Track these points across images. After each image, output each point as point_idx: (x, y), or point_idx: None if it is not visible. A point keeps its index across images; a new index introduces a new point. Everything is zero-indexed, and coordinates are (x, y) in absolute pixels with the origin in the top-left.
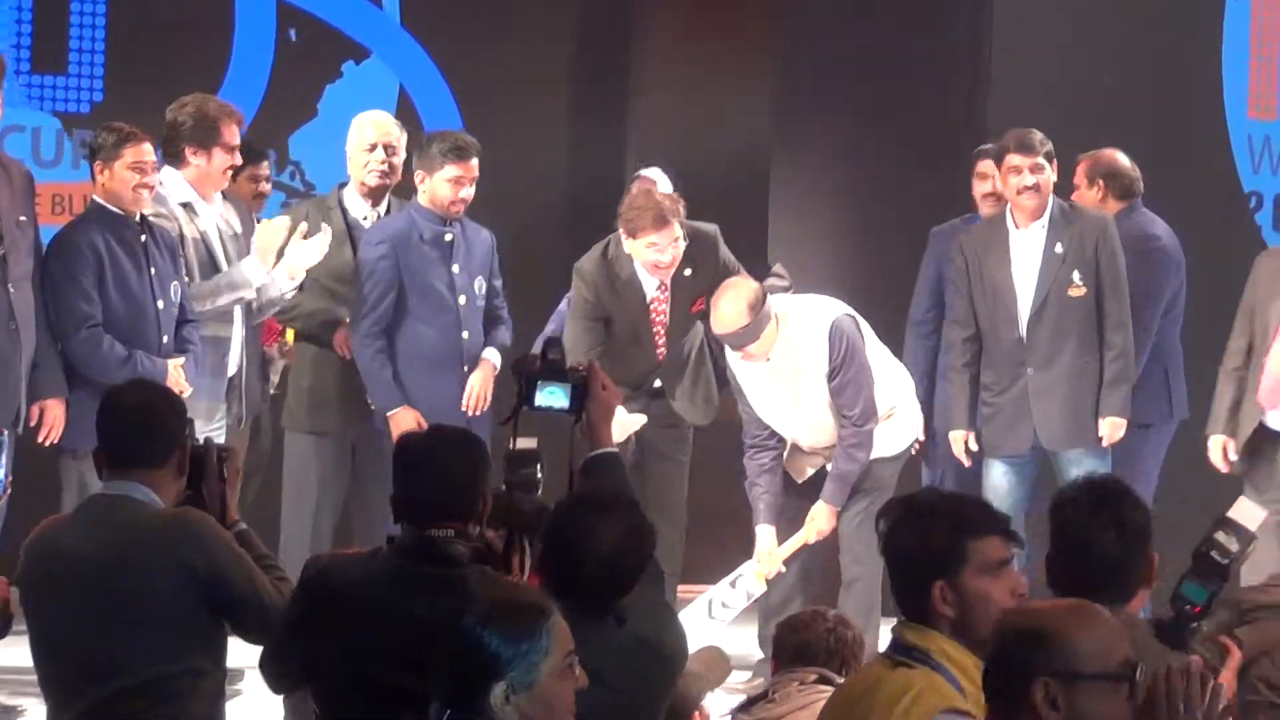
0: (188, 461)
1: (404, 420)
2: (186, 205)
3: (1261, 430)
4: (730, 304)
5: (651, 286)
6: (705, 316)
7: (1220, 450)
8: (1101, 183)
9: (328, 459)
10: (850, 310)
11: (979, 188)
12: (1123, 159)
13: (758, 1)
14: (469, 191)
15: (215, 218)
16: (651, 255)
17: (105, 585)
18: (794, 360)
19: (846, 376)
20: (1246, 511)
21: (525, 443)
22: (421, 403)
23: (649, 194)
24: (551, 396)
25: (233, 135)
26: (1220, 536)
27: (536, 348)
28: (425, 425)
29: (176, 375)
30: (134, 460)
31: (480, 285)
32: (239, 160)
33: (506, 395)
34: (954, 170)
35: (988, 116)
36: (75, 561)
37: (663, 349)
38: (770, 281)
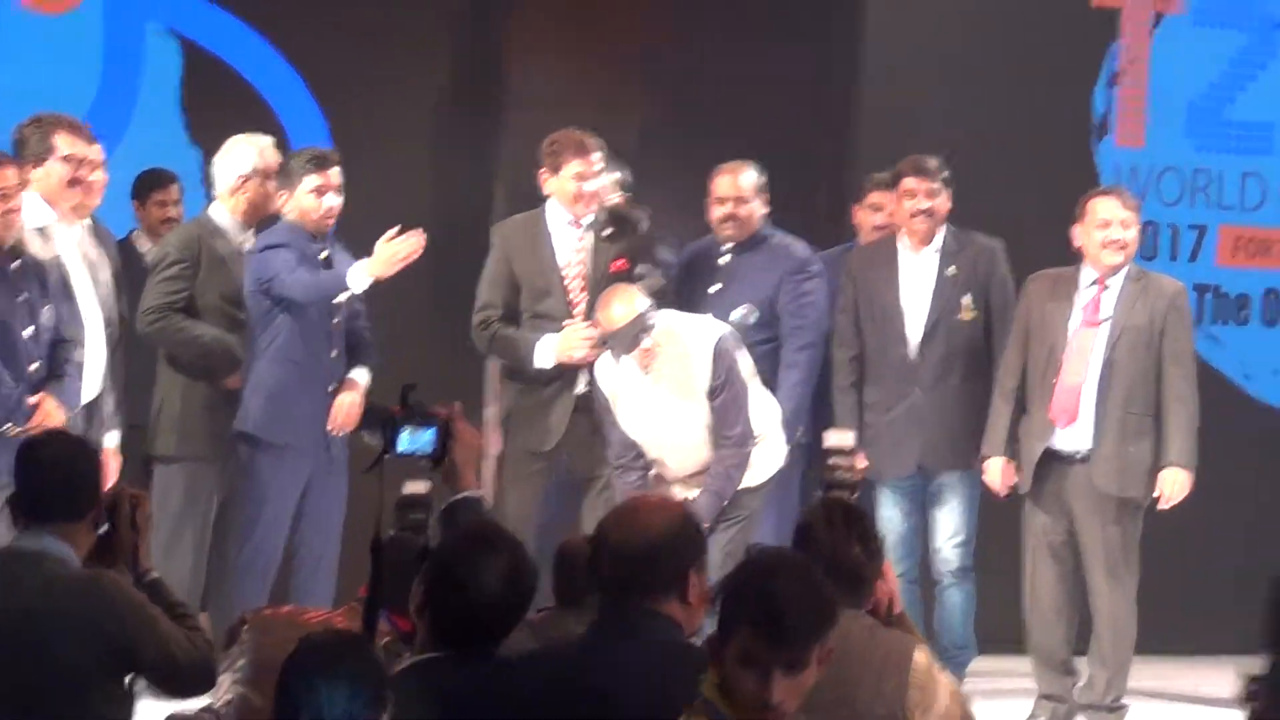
0: (102, 512)
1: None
2: (40, 229)
3: (1046, 452)
4: (620, 301)
5: (571, 238)
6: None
7: (999, 472)
8: None
9: (201, 486)
10: (733, 330)
11: (870, 219)
12: None
13: (628, 24)
14: (334, 200)
15: (74, 242)
16: (575, 185)
17: (16, 644)
18: (676, 375)
19: (729, 395)
20: (838, 436)
21: (415, 486)
22: (286, 417)
23: (568, 129)
24: (415, 441)
25: (70, 144)
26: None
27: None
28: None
29: (49, 409)
30: (52, 515)
31: (348, 303)
32: (85, 173)
33: None
34: (815, 204)
35: (859, 152)
36: None
37: (579, 305)
38: (648, 281)
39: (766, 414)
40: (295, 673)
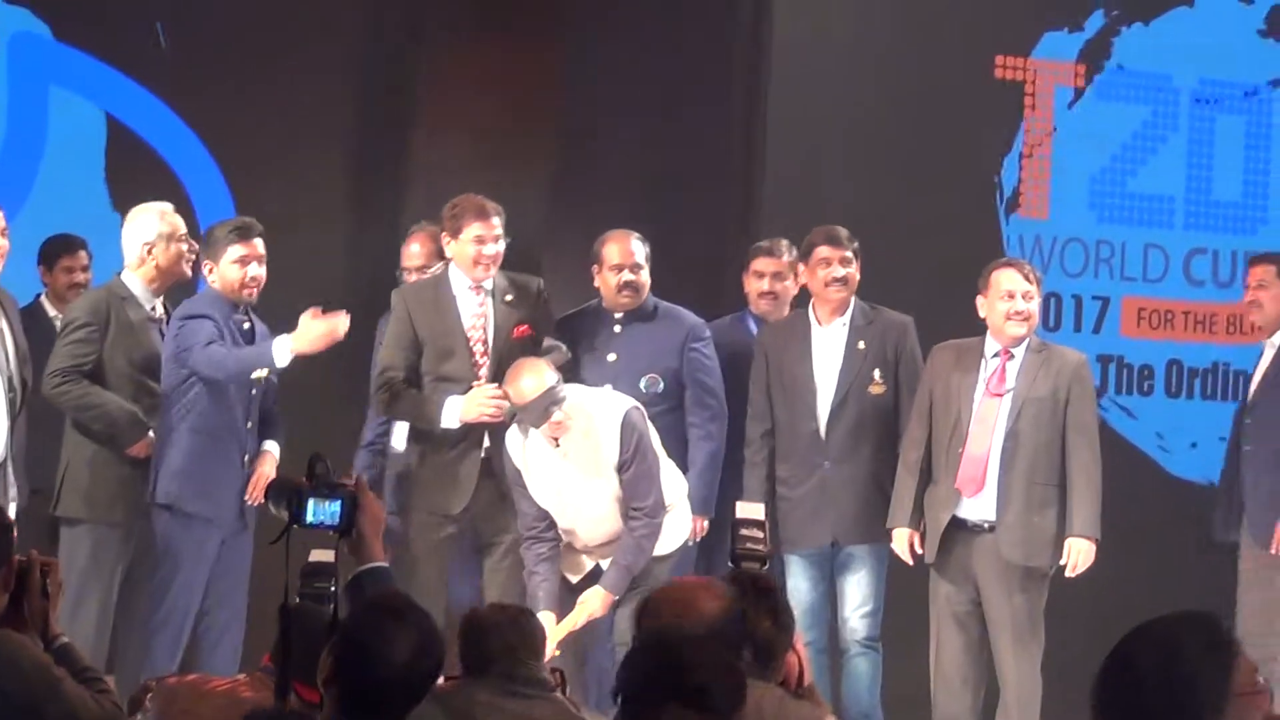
0: (12, 578)
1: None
2: None
3: (952, 521)
4: (530, 374)
5: (473, 303)
6: (525, 352)
7: (905, 542)
8: None
9: (107, 548)
10: (639, 404)
11: (753, 285)
12: None
13: (535, 89)
14: (258, 270)
15: None
16: (474, 249)
17: None
18: (585, 448)
19: (640, 468)
20: (749, 508)
21: (320, 555)
22: (202, 489)
23: (468, 195)
24: (322, 512)
25: None
26: (746, 532)
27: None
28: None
29: None
30: None
31: (266, 377)
32: None
33: None
34: (723, 271)
35: (761, 219)
36: None
37: (483, 367)
38: (554, 355)
39: (674, 484)
40: None
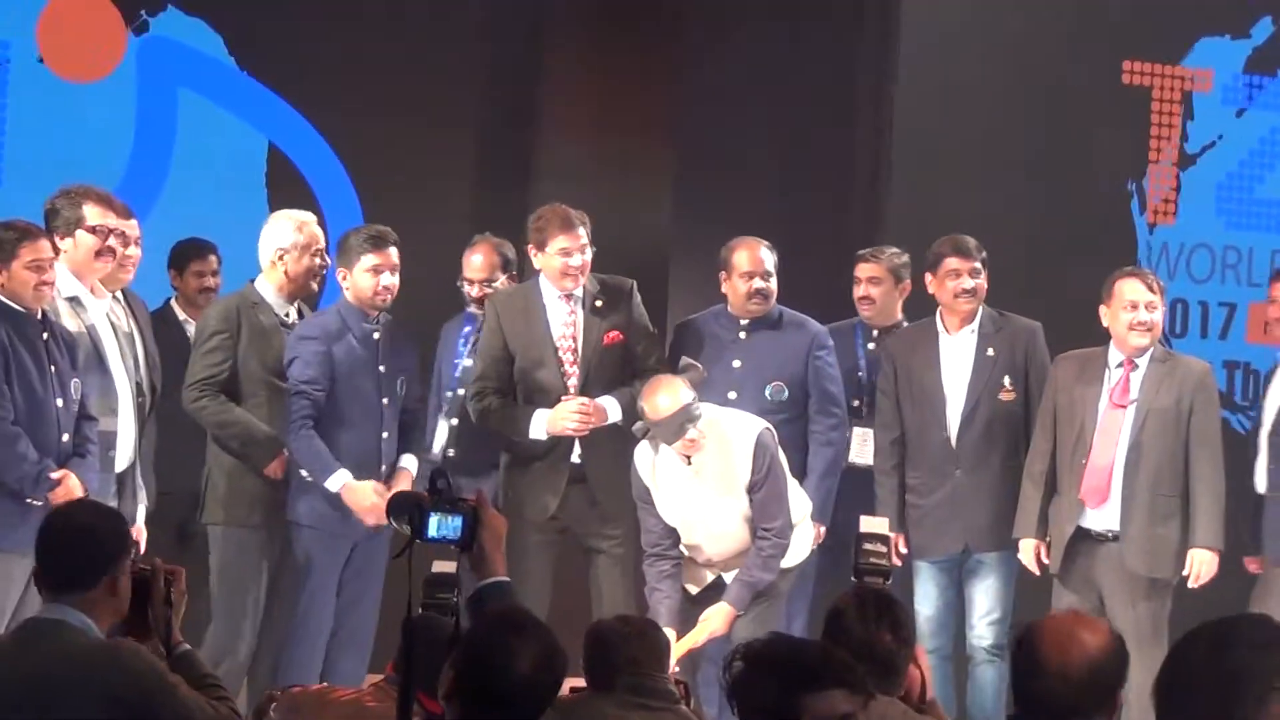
0: (127, 582)
1: (362, 492)
2: (73, 299)
3: (1076, 531)
4: (666, 391)
5: (563, 312)
6: (618, 357)
7: (1032, 553)
8: None
9: (252, 551)
10: (770, 426)
11: (855, 291)
12: None
13: (658, 91)
14: (391, 279)
15: (104, 313)
16: (561, 261)
17: (34, 713)
18: (717, 468)
19: (771, 490)
20: (873, 522)
21: (442, 566)
22: (335, 511)
23: (554, 205)
24: (444, 527)
25: (97, 216)
26: (869, 547)
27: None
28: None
29: (71, 485)
30: (68, 585)
31: (402, 386)
32: (113, 243)
33: None
34: (847, 280)
35: (886, 226)
36: (3, 686)
37: (574, 376)
38: (690, 374)
39: (799, 502)
40: None
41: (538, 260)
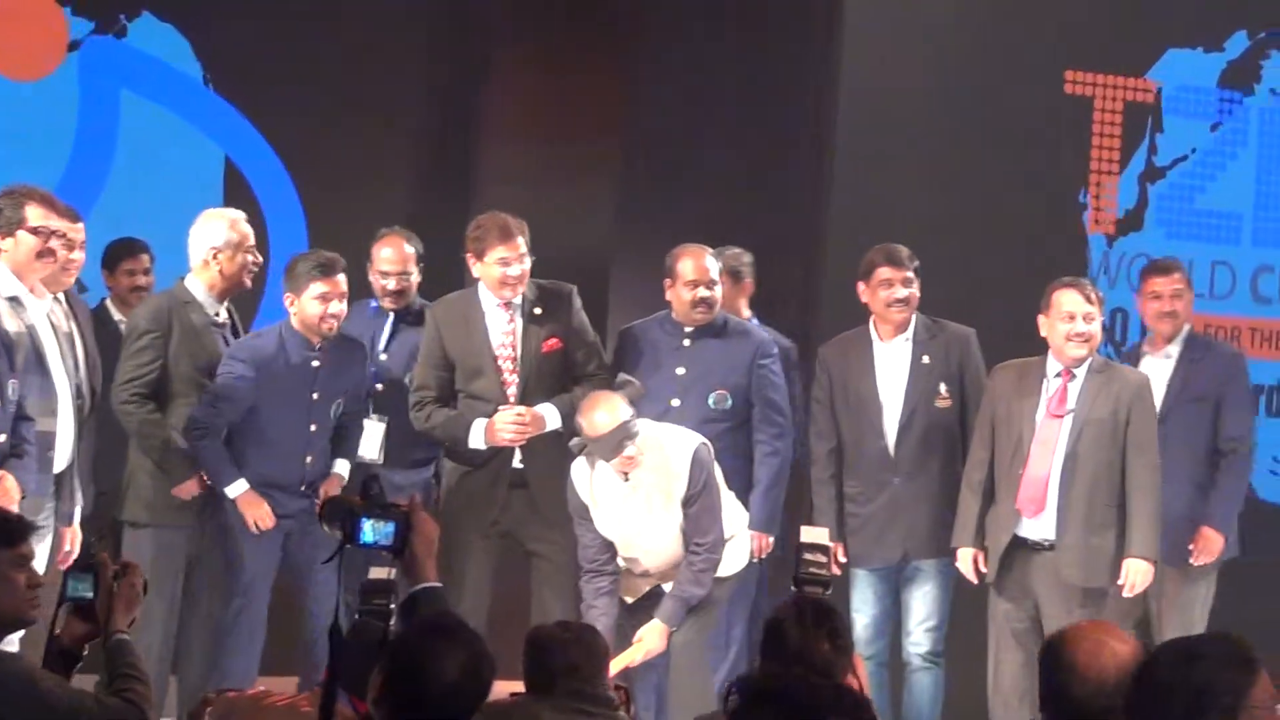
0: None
1: (256, 505)
2: (13, 299)
3: (1013, 540)
4: (605, 408)
5: (502, 320)
6: (557, 364)
7: (970, 561)
8: None
9: (172, 551)
10: (706, 441)
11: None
12: None
13: (601, 97)
14: (339, 307)
15: (44, 313)
16: (499, 271)
17: None
18: (654, 482)
19: (705, 503)
20: (814, 532)
21: (377, 572)
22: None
23: (492, 214)
24: (376, 533)
25: (39, 217)
26: (809, 557)
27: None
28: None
29: (8, 486)
30: None
31: (339, 407)
32: (55, 245)
33: None
34: (790, 270)
35: (830, 227)
36: None
37: (513, 385)
38: (628, 390)
39: (734, 515)
40: None
41: (476, 269)
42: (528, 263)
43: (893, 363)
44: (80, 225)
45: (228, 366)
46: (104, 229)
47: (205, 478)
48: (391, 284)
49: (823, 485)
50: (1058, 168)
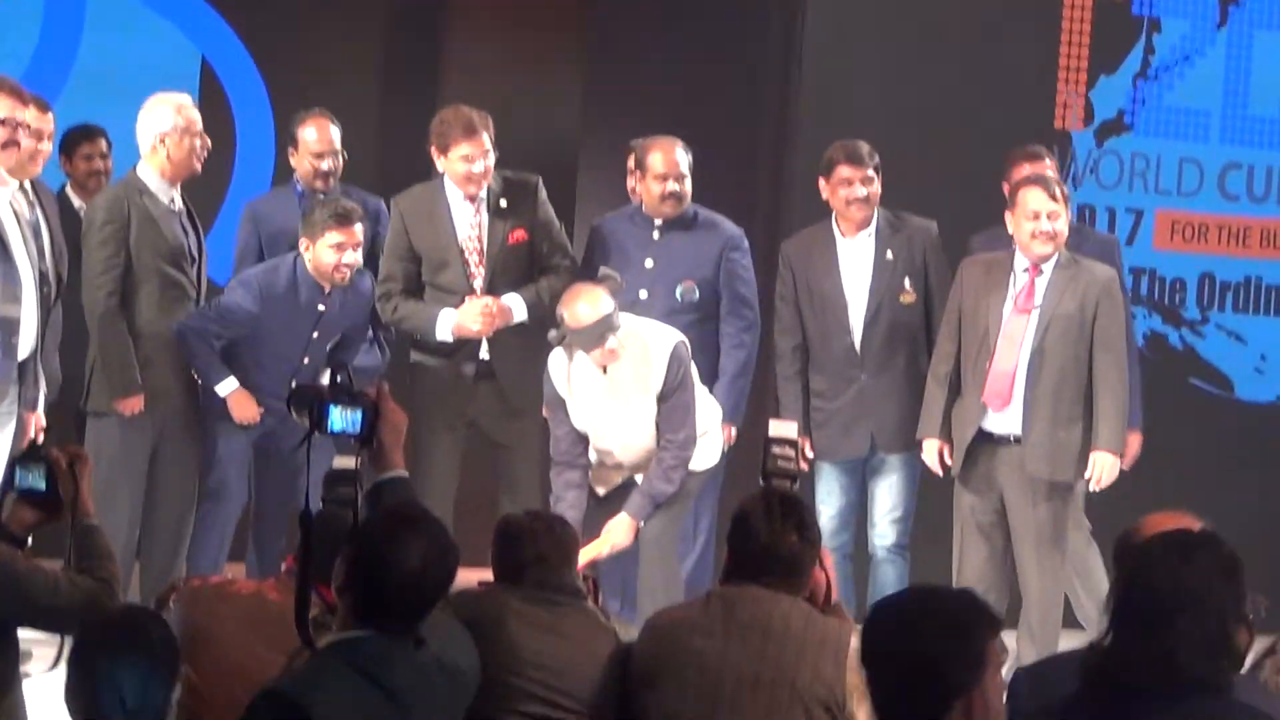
0: None
1: (246, 404)
2: None
3: (978, 434)
4: (587, 300)
5: (468, 213)
6: (524, 256)
7: (935, 453)
8: None
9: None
10: (684, 339)
11: None
12: None
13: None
14: (353, 257)
15: (6, 201)
16: (464, 167)
17: None
18: (632, 376)
19: (679, 400)
20: (782, 426)
21: (343, 461)
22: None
23: (456, 108)
24: (343, 421)
25: (5, 108)
26: (777, 450)
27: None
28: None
29: None
30: None
31: (330, 342)
32: (21, 136)
33: None
34: (757, 172)
35: (798, 120)
36: None
37: (479, 277)
38: (609, 283)
39: (710, 411)
40: (92, 651)
41: (440, 164)
42: (492, 158)
43: (856, 259)
44: (49, 115)
45: (234, 293)
46: (70, 120)
47: (136, 407)
48: (325, 164)
49: (788, 381)
50: (1027, 62)
